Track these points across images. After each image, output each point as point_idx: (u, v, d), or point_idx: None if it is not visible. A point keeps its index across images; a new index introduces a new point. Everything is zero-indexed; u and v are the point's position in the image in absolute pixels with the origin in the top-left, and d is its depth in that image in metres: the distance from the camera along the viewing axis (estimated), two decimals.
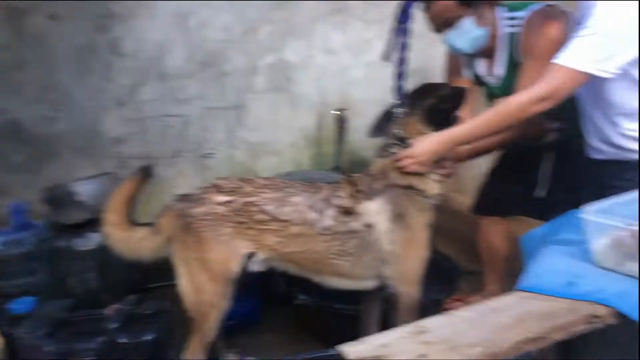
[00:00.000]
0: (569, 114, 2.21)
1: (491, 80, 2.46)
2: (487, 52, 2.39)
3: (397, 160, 2.17)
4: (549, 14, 2.22)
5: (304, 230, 2.17)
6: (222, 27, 3.59)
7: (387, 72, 4.00)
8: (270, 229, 2.19)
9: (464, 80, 2.49)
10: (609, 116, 1.91)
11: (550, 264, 1.48)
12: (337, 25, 3.81)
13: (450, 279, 2.93)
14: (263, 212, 2.19)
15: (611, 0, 1.67)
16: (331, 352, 1.20)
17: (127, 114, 3.54)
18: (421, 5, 2.36)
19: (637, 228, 1.35)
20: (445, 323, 1.25)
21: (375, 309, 2.53)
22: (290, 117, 3.83)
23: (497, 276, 2.91)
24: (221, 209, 2.20)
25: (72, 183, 3.16)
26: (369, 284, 2.31)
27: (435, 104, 2.21)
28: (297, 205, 2.19)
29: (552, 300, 1.30)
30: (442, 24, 2.30)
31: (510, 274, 3.06)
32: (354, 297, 2.57)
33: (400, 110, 2.25)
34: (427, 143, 2.11)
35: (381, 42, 3.83)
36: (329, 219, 2.17)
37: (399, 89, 2.30)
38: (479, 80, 2.54)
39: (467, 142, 2.14)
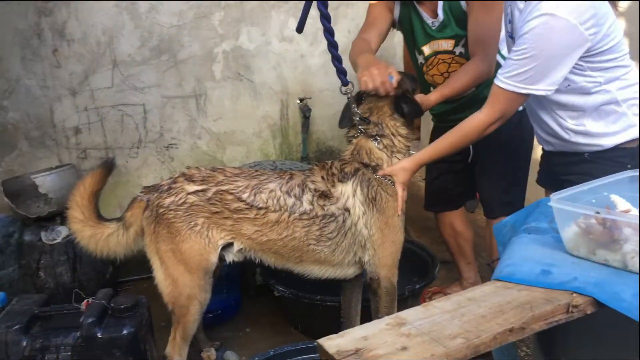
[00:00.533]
0: None
1: (428, 21, 2.54)
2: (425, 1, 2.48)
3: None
4: None
5: (282, 216, 2.14)
6: (173, 12, 3.48)
7: (345, 60, 3.97)
8: (247, 218, 2.14)
9: None
10: (553, 113, 2.00)
11: (523, 253, 1.49)
12: (291, 11, 3.74)
13: (428, 269, 2.96)
14: (239, 200, 2.14)
15: (542, 22, 1.73)
16: (314, 343, 1.17)
17: (82, 102, 3.41)
18: None
19: (605, 216, 1.36)
20: (424, 314, 1.24)
21: (356, 299, 2.54)
22: (252, 106, 3.77)
23: (469, 264, 2.99)
24: (193, 199, 2.15)
25: (32, 175, 3.06)
26: (349, 272, 2.31)
27: (403, 93, 2.27)
28: (274, 191, 2.16)
29: (529, 290, 1.31)
30: None
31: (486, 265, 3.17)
32: (334, 288, 2.57)
33: (350, 90, 2.31)
34: (405, 164, 2.20)
35: (336, 30, 3.82)
36: (307, 203, 2.15)
37: (340, 72, 2.32)
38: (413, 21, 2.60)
39: (428, 162, 2.35)
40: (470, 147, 2.65)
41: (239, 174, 2.22)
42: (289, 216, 2.14)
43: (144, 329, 2.27)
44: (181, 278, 2.16)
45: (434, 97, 2.36)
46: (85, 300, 2.24)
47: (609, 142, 1.91)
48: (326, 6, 2.28)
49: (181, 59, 3.55)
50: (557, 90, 1.86)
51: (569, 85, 1.87)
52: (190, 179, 2.20)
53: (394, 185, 2.21)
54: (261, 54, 3.72)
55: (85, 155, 3.44)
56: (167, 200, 2.15)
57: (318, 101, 3.90)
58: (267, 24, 3.71)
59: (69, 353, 2.10)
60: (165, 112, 3.57)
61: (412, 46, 2.69)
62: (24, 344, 2.08)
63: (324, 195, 2.17)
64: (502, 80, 1.86)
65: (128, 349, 2.15)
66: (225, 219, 2.16)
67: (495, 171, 2.67)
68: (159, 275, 2.19)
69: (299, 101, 3.84)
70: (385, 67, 2.23)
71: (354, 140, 2.29)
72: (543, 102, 1.99)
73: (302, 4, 3.69)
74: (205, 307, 2.25)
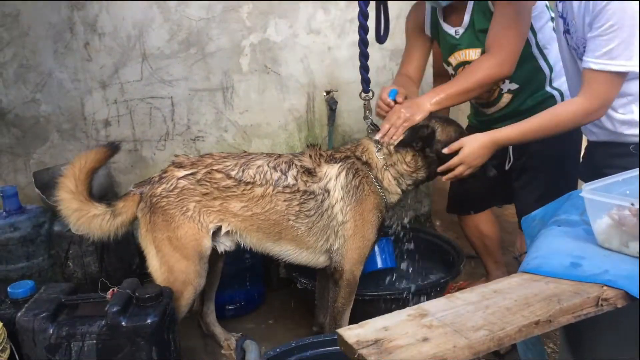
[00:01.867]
0: None
1: (450, 31, 2.49)
2: (450, 13, 2.44)
3: (448, 171, 2.18)
4: None
5: (267, 190, 2.19)
6: (202, 5, 3.48)
7: (373, 52, 3.95)
8: (235, 195, 2.20)
9: None
10: None
11: (552, 246, 1.45)
12: (319, 3, 3.71)
13: (453, 263, 2.92)
14: (228, 177, 2.19)
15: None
16: (336, 335, 1.15)
17: (112, 95, 3.45)
18: None
19: (639, 206, 1.31)
20: (447, 306, 1.21)
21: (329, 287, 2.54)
22: (279, 98, 3.75)
23: (496, 262, 2.92)
24: (183, 183, 2.20)
25: (63, 167, 3.12)
26: (320, 260, 2.34)
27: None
28: (261, 167, 2.22)
29: (557, 282, 1.26)
30: None
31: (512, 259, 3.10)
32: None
33: (369, 97, 2.43)
34: (474, 145, 2.09)
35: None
36: (291, 178, 2.21)
37: (364, 80, 2.44)
38: (436, 32, 2.57)
39: (516, 143, 2.15)
40: (510, 153, 2.54)
41: (228, 155, 2.30)
42: (273, 189, 2.20)
43: (168, 319, 2.29)
44: (177, 264, 2.21)
45: (434, 100, 2.28)
46: (111, 290, 2.26)
47: None
48: (366, 18, 2.23)
49: (209, 52, 3.56)
50: None
51: None
52: (179, 166, 2.27)
53: (380, 187, 2.24)
54: (288, 46, 3.71)
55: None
56: (159, 189, 2.21)
57: (345, 94, 3.86)
58: (295, 17, 3.68)
59: (94, 341, 2.12)
60: (193, 105, 3.59)
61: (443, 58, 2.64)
62: (51, 331, 2.11)
63: (309, 172, 2.22)
64: (594, 62, 1.73)
65: (152, 337, 2.15)
66: (214, 200, 2.20)
67: (539, 188, 2.52)
68: (154, 263, 2.25)
69: (325, 94, 3.81)
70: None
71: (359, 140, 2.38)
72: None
73: None
74: (198, 292, 2.31)
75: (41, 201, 3.13)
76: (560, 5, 1.89)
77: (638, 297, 1.16)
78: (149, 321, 2.14)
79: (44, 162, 3.36)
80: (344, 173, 2.23)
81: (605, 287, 1.21)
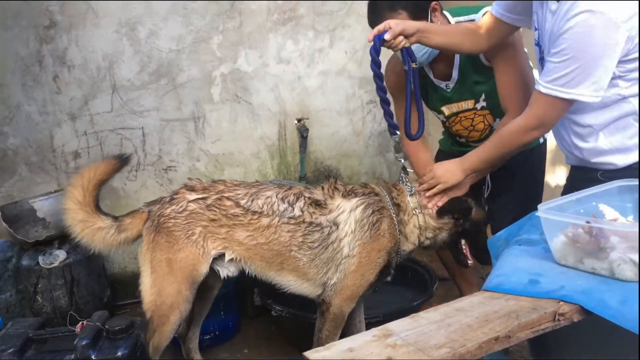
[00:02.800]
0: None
1: (441, 85, 2.50)
2: (439, 58, 2.41)
3: (425, 190, 2.22)
4: None
5: (273, 220, 2.18)
6: (172, 37, 3.53)
7: (343, 80, 4.05)
8: (242, 223, 2.18)
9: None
10: (568, 129, 1.93)
11: (513, 264, 1.49)
12: (289, 34, 3.80)
13: (426, 285, 2.95)
14: (237, 205, 2.19)
15: (582, 20, 1.63)
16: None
17: (82, 127, 3.45)
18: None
19: (592, 224, 1.36)
20: (411, 325, 1.24)
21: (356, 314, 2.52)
22: (251, 127, 3.80)
23: (470, 284, 2.94)
24: (193, 206, 2.20)
25: (30, 200, 3.08)
26: (317, 292, 2.30)
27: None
28: (270, 197, 2.21)
29: (516, 299, 1.31)
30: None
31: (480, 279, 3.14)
32: None
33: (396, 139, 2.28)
34: (449, 165, 2.17)
35: (333, 51, 3.88)
36: (297, 209, 2.19)
37: (392, 126, 2.30)
38: (427, 85, 2.55)
39: (477, 168, 2.18)
40: (488, 180, 2.56)
41: (239, 184, 2.30)
42: (278, 220, 2.18)
43: (139, 351, 2.26)
44: (168, 287, 2.19)
45: (464, 165, 2.24)
46: (80, 323, 2.23)
47: (621, 160, 1.80)
48: (379, 66, 2.18)
49: (180, 83, 3.60)
50: (576, 104, 1.78)
51: None
52: (191, 189, 2.26)
53: (399, 232, 2.22)
54: (259, 76, 3.77)
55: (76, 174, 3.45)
56: (168, 210, 2.20)
57: (316, 121, 3.93)
58: (265, 47, 3.76)
59: None
60: (164, 135, 3.61)
61: (430, 105, 2.65)
62: None
63: (317, 204, 2.20)
64: (543, 85, 1.75)
65: None
66: (220, 227, 2.19)
67: (512, 198, 2.57)
68: (146, 282, 2.22)
69: (296, 121, 3.87)
70: None
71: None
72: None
73: (299, 27, 3.80)
74: (183, 319, 2.27)
75: (9, 235, 3.08)
76: (536, 34, 1.93)
77: (593, 311, 1.21)
78: (119, 354, 2.11)
79: (11, 195, 3.31)
80: (362, 207, 2.19)
81: (561, 303, 1.25)
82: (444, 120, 2.64)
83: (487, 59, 2.33)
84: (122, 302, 3.54)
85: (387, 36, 2.03)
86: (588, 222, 1.36)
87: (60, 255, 3.04)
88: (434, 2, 2.28)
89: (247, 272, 2.30)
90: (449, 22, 2.37)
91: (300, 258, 2.21)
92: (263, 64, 3.77)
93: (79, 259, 3.10)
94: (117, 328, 2.18)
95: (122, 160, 2.36)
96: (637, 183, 1.57)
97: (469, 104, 2.48)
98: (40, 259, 3.02)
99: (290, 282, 2.29)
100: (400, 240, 2.23)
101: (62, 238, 3.15)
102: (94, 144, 3.48)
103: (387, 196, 2.24)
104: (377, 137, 4.16)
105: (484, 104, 2.45)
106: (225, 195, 2.21)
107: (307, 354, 1.16)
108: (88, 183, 2.23)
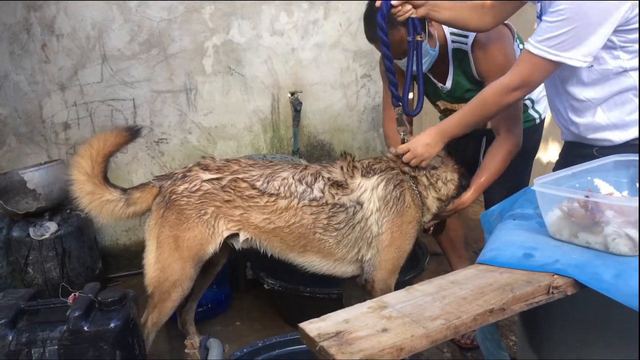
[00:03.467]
0: None
1: (439, 86, 2.52)
2: (436, 64, 2.41)
3: (400, 156, 2.21)
4: (491, 37, 2.25)
5: (292, 203, 2.13)
6: (163, 6, 3.46)
7: (337, 53, 4.00)
8: (258, 206, 2.14)
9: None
10: (565, 102, 1.91)
11: (507, 238, 1.49)
12: (282, 5, 3.74)
13: (418, 260, 2.96)
14: (253, 187, 2.14)
15: None
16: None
17: (71, 97, 3.39)
18: (373, 39, 2.31)
19: (587, 198, 1.36)
20: (406, 298, 1.24)
21: (357, 295, 2.52)
22: (243, 100, 3.75)
23: (460, 257, 2.98)
24: (208, 186, 2.15)
25: (20, 171, 3.05)
26: (347, 270, 2.28)
27: None
28: (286, 179, 2.16)
29: (511, 272, 1.31)
30: (399, 54, 2.30)
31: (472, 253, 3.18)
32: (323, 281, 2.57)
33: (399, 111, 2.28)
34: (420, 136, 2.15)
35: (327, 23, 3.82)
36: (317, 190, 2.14)
37: (395, 97, 2.29)
38: (427, 80, 2.55)
39: (458, 135, 2.15)
40: (481, 157, 2.56)
41: (254, 164, 2.24)
42: (298, 202, 2.13)
43: (131, 323, 2.26)
44: (173, 265, 2.16)
45: (470, 193, 2.34)
46: (72, 294, 2.22)
47: (618, 137, 1.78)
48: (389, 47, 2.15)
49: (171, 53, 3.53)
50: (575, 76, 1.76)
51: (592, 65, 1.72)
52: (205, 168, 2.21)
53: (419, 198, 2.21)
54: (252, 47, 3.71)
55: (75, 150, 3.41)
56: (181, 187, 2.15)
57: (309, 95, 3.89)
58: (258, 18, 3.69)
59: (56, 347, 2.07)
60: (156, 106, 3.56)
61: (426, 95, 2.65)
62: (10, 338, 2.04)
63: (338, 185, 2.16)
64: (532, 44, 1.70)
65: (115, 342, 2.11)
66: (235, 209, 2.15)
67: (504, 176, 2.53)
68: (150, 257, 2.19)
69: (290, 95, 3.83)
70: None
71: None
72: (558, 87, 1.90)
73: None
74: (185, 296, 2.26)
75: (0, 206, 3.05)
76: (538, 5, 1.88)
77: (587, 284, 1.21)
78: (112, 325, 2.10)
79: (1, 166, 3.28)
80: (383, 184, 2.16)
81: (555, 276, 1.26)
82: (440, 112, 2.67)
83: (479, 74, 2.34)
84: (113, 274, 3.55)
85: (394, 2, 1.99)
86: (587, 196, 1.36)
87: (51, 227, 3.03)
88: None
89: (262, 251, 2.27)
90: (444, 32, 2.36)
91: (327, 240, 2.17)
92: (256, 36, 3.71)
93: (70, 230, 3.09)
94: (109, 300, 2.17)
95: (133, 132, 2.27)
96: (633, 158, 1.57)
97: (460, 106, 2.45)
98: (31, 230, 3.00)
99: (314, 263, 2.25)
100: (423, 211, 2.25)
101: (53, 210, 3.14)
102: (84, 115, 3.43)
103: (401, 169, 2.23)
104: (370, 111, 4.14)
105: None
106: (240, 176, 2.16)
107: (302, 325, 1.16)
108: (97, 154, 2.15)
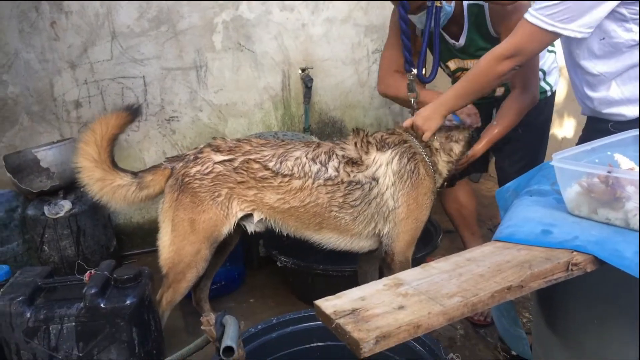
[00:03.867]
0: None
1: (451, 43, 2.48)
2: (450, 22, 2.39)
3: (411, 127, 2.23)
4: None
5: (306, 183, 2.12)
6: None
7: (348, 28, 3.94)
8: (271, 186, 2.13)
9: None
10: (580, 76, 1.88)
11: (524, 214, 1.47)
12: None
13: (431, 238, 2.96)
14: (266, 168, 2.13)
15: None
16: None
17: (82, 75, 3.39)
18: None
19: (607, 173, 1.33)
20: (422, 275, 1.22)
21: (372, 270, 2.53)
22: (254, 76, 3.72)
23: (473, 234, 2.97)
24: (220, 168, 2.14)
25: (33, 150, 3.06)
26: (365, 245, 2.28)
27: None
28: (299, 158, 2.14)
29: (529, 249, 1.29)
30: (418, 7, 2.29)
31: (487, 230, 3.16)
32: (336, 258, 2.57)
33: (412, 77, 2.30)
34: (422, 109, 2.16)
35: None
36: (332, 169, 2.13)
37: (407, 62, 2.34)
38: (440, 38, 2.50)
39: (456, 108, 2.15)
40: (494, 117, 2.59)
41: (266, 144, 2.22)
42: (312, 182, 2.12)
43: (147, 300, 2.28)
44: (188, 247, 2.17)
45: (482, 144, 2.34)
46: (88, 272, 2.24)
47: (632, 112, 1.75)
48: (407, 22, 2.20)
49: (180, 30, 3.50)
50: (587, 49, 1.73)
51: (603, 38, 1.69)
52: (217, 149, 2.19)
53: (433, 168, 2.22)
54: (262, 23, 3.67)
55: (87, 129, 3.43)
56: (194, 170, 2.14)
57: (320, 71, 3.85)
58: None
59: (73, 324, 2.10)
60: (166, 84, 3.54)
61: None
62: (28, 315, 2.08)
63: (352, 162, 2.15)
64: (530, 13, 1.67)
65: (131, 318, 2.14)
66: (248, 189, 2.14)
67: (520, 147, 2.59)
68: (165, 239, 2.19)
69: (300, 71, 3.79)
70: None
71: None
72: (574, 61, 1.86)
73: None
74: (200, 276, 2.26)
75: (13, 185, 3.07)
76: None
77: (607, 260, 1.19)
78: (128, 302, 2.13)
79: (14, 145, 3.29)
80: (397, 158, 2.15)
81: (575, 253, 1.24)
82: (450, 74, 2.62)
83: (496, 31, 2.30)
84: (128, 252, 3.59)
85: None
86: (609, 172, 1.32)
87: (65, 205, 3.05)
88: None
89: (277, 231, 2.27)
90: None
91: (343, 217, 2.17)
92: (266, 11, 3.66)
93: (84, 209, 3.12)
94: (125, 277, 2.19)
95: (133, 112, 2.25)
96: None
97: (473, 63, 2.44)
98: (46, 209, 3.03)
99: (331, 240, 2.26)
100: (436, 178, 2.26)
101: (67, 188, 3.16)
102: (95, 93, 3.42)
103: (415, 140, 2.22)
104: None
105: None
106: (252, 157, 2.15)
107: (318, 302, 1.16)
108: (101, 139, 2.12)
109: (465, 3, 2.35)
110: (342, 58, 3.92)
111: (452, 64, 2.56)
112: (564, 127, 3.57)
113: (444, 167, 2.28)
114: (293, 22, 3.74)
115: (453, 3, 2.32)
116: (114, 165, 2.18)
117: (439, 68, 2.59)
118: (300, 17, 3.76)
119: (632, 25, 1.65)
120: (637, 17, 1.63)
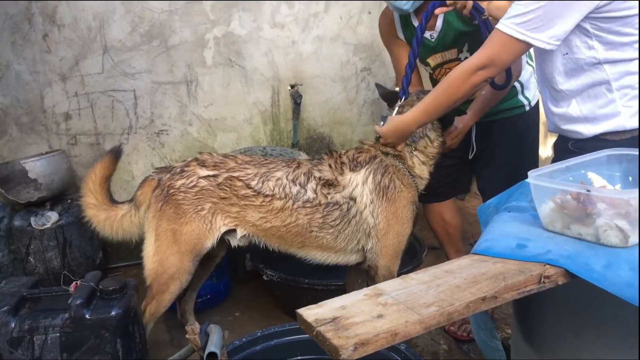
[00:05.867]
0: None
1: (426, 35, 2.49)
2: (424, 7, 2.40)
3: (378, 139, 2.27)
4: None
5: (287, 204, 2.17)
6: None
7: (337, 46, 4.01)
8: (253, 205, 2.18)
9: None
10: (545, 90, 1.92)
11: (501, 229, 1.52)
12: None
13: (415, 253, 3.01)
14: (248, 187, 2.18)
15: None
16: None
17: (72, 88, 3.42)
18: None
19: (580, 190, 1.39)
20: (401, 285, 1.27)
21: (360, 281, 2.55)
22: (244, 92, 3.77)
23: (458, 251, 3.00)
24: (204, 183, 2.19)
25: (22, 160, 3.07)
26: (351, 259, 2.33)
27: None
28: (280, 179, 2.20)
29: (504, 262, 1.34)
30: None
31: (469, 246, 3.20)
32: (322, 272, 2.60)
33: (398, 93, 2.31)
34: (390, 124, 2.19)
35: (328, 16, 3.83)
36: (310, 191, 2.18)
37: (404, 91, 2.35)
38: (412, 35, 2.55)
39: (425, 122, 2.16)
40: (473, 142, 2.63)
41: (250, 161, 2.27)
42: (293, 204, 2.17)
43: (132, 311, 2.29)
44: (171, 258, 2.20)
45: (469, 116, 2.40)
46: (74, 282, 2.25)
47: (588, 130, 1.77)
48: (423, 31, 2.23)
49: (172, 45, 3.55)
50: (552, 64, 1.77)
51: (566, 53, 1.73)
52: (202, 164, 2.25)
53: (412, 177, 2.24)
54: (252, 40, 3.73)
55: (76, 141, 3.45)
56: (179, 182, 2.19)
57: (309, 88, 3.91)
58: (259, 10, 3.71)
59: (57, 334, 2.10)
60: (156, 98, 3.58)
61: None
62: (13, 325, 2.08)
63: (329, 184, 2.20)
64: (502, 22, 1.69)
65: (116, 330, 2.15)
66: (231, 206, 2.19)
67: (500, 165, 2.62)
68: (149, 250, 2.24)
69: (290, 87, 3.85)
70: None
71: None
72: (542, 75, 1.89)
73: None
74: (183, 288, 2.30)
75: (0, 196, 3.08)
76: None
77: (577, 274, 1.24)
78: (113, 313, 2.14)
79: (2, 156, 3.31)
80: (371, 176, 2.20)
81: (547, 266, 1.29)
82: (431, 72, 2.65)
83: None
84: (113, 264, 3.58)
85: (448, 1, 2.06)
86: (588, 190, 1.37)
87: (52, 216, 3.06)
88: None
89: (262, 246, 2.32)
90: None
91: (324, 236, 2.22)
92: (257, 28, 3.72)
93: (71, 220, 3.13)
94: (110, 288, 2.20)
95: (116, 153, 2.39)
96: (626, 152, 1.59)
97: (452, 53, 2.49)
98: (33, 220, 3.03)
99: (317, 256, 2.31)
100: (417, 183, 2.28)
101: (54, 200, 3.17)
102: (85, 106, 3.45)
103: (383, 153, 2.26)
104: (370, 105, 4.16)
105: (468, 54, 2.46)
106: (235, 174, 2.20)
107: (300, 311, 1.19)
108: (94, 185, 2.29)
109: None
110: (331, 75, 3.99)
111: (432, 61, 2.57)
112: (548, 147, 3.66)
113: (422, 169, 2.30)
114: (283, 40, 3.81)
115: None
116: (113, 201, 2.33)
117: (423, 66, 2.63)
118: (290, 34, 3.83)
119: (594, 42, 1.68)
120: (600, 34, 1.66)
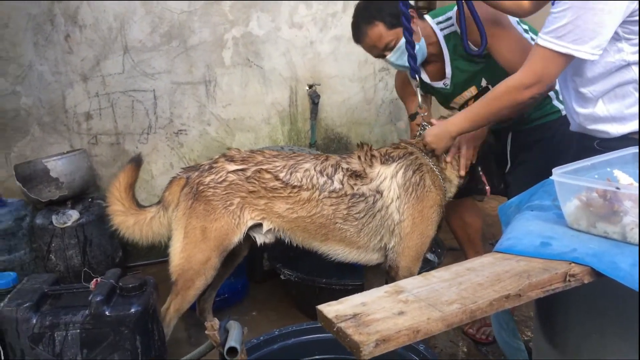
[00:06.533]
0: None
1: (439, 85, 2.51)
2: (430, 60, 2.43)
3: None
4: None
5: (314, 194, 2.18)
6: None
7: (355, 46, 3.97)
8: (281, 196, 2.19)
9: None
10: (570, 90, 1.89)
11: (524, 228, 1.49)
12: None
13: (435, 254, 2.99)
14: (277, 179, 2.19)
15: None
16: (318, 324, 1.19)
17: (93, 88, 3.45)
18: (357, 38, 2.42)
19: (607, 188, 1.36)
20: (422, 283, 1.25)
21: (378, 283, 2.54)
22: (262, 92, 3.78)
23: (477, 253, 2.96)
24: (233, 177, 2.20)
25: (44, 160, 3.12)
26: (373, 258, 2.31)
27: None
28: (308, 170, 2.21)
29: (528, 261, 1.31)
30: (382, 50, 2.35)
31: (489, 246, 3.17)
32: (339, 271, 2.59)
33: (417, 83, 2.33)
34: (436, 129, 2.19)
35: (346, 16, 3.83)
36: (337, 182, 2.19)
37: (413, 70, 2.35)
38: (427, 89, 2.59)
39: (468, 130, 2.15)
40: (508, 156, 2.58)
41: (277, 155, 2.29)
42: (319, 194, 2.18)
43: (151, 309, 2.30)
44: (199, 255, 2.22)
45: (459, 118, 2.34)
46: (94, 279, 2.28)
47: (616, 129, 1.76)
48: (409, 20, 2.22)
49: (191, 45, 3.58)
50: (578, 66, 1.73)
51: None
52: (231, 159, 2.27)
53: (441, 179, 2.24)
54: (271, 40, 3.74)
55: (96, 140, 3.49)
56: (208, 178, 2.21)
57: (327, 88, 3.90)
58: (277, 10, 3.72)
59: (78, 331, 2.13)
60: (175, 98, 3.61)
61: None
62: (34, 321, 2.11)
63: (356, 175, 2.19)
64: (541, 37, 1.67)
65: (136, 327, 2.17)
66: (259, 199, 2.20)
67: (533, 180, 2.58)
68: (176, 246, 2.25)
69: (307, 87, 3.85)
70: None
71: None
72: (566, 76, 1.86)
73: None
74: (208, 284, 2.31)
75: (22, 194, 3.12)
76: None
77: (604, 272, 1.22)
78: (132, 310, 2.16)
79: (24, 155, 3.35)
80: (402, 171, 2.19)
81: (572, 264, 1.26)
82: (458, 109, 2.65)
83: (475, 45, 2.30)
84: (133, 263, 3.61)
85: None
86: (618, 187, 1.34)
87: (73, 215, 3.09)
88: (410, 10, 2.25)
89: (286, 241, 2.31)
90: (430, 25, 2.38)
91: (347, 229, 2.21)
92: (275, 28, 3.73)
93: (91, 219, 3.16)
94: (130, 285, 2.22)
95: (137, 162, 2.43)
96: None
97: (471, 91, 2.47)
98: (54, 218, 3.07)
99: (338, 251, 2.30)
100: (446, 188, 2.27)
101: (75, 198, 3.21)
102: (106, 106, 3.49)
103: (421, 151, 2.25)
104: (388, 105, 4.14)
105: (486, 83, 2.44)
106: (264, 167, 2.21)
107: (320, 307, 1.18)
108: (119, 192, 2.32)
109: (439, 35, 2.37)
110: (349, 75, 3.98)
111: (455, 104, 2.58)
112: None
113: (453, 175, 2.29)
114: (301, 40, 3.81)
115: (422, 40, 2.34)
116: (139, 205, 2.35)
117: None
118: (308, 34, 3.83)
119: (623, 45, 1.66)
120: (629, 37, 1.64)
